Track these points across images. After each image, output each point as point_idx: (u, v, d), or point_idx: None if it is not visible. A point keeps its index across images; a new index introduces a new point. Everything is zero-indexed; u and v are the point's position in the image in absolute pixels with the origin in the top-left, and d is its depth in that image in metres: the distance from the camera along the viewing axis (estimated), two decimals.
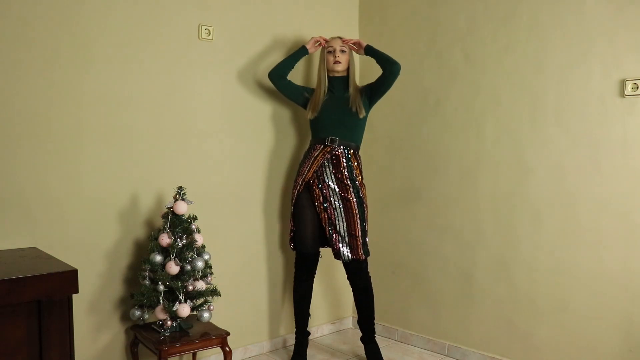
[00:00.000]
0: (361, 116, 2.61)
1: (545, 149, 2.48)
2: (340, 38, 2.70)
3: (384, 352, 2.82)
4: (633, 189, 2.23)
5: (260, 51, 2.78)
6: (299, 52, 2.70)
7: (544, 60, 2.48)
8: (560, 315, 2.45)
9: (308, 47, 2.70)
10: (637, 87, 2.20)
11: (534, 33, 2.51)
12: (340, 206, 2.56)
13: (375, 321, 2.69)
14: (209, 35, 2.55)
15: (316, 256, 2.71)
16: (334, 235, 2.56)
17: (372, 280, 2.66)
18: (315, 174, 2.60)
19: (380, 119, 3.19)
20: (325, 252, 2.87)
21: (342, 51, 2.66)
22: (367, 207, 2.63)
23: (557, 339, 2.46)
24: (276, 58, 2.84)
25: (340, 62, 2.64)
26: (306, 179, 2.60)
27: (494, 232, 2.68)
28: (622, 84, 2.24)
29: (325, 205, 2.58)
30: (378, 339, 3.03)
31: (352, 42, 2.69)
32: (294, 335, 2.77)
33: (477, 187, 2.74)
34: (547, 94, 2.47)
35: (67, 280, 1.62)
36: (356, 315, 3.34)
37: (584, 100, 2.36)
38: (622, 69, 2.24)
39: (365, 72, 3.21)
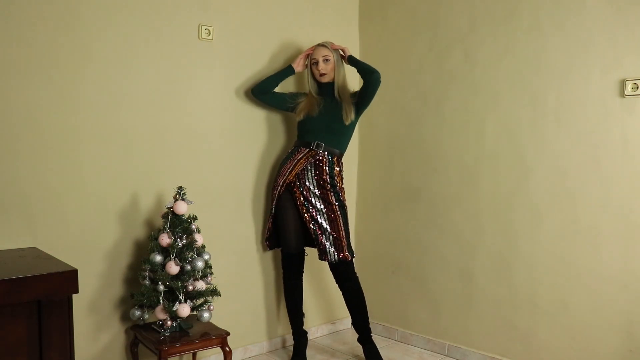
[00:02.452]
0: (347, 123, 2.60)
1: (545, 149, 2.48)
2: (324, 46, 2.64)
3: (383, 352, 2.82)
4: (633, 189, 2.23)
5: (260, 51, 2.78)
6: (286, 71, 2.68)
7: (544, 60, 2.48)
8: (560, 315, 2.45)
9: (294, 65, 2.68)
10: (637, 87, 2.20)
11: (534, 33, 2.51)
12: (323, 208, 2.58)
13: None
14: (209, 35, 2.54)
15: (302, 255, 2.73)
16: (319, 234, 2.57)
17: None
18: (296, 176, 2.60)
19: (380, 119, 3.19)
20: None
21: (326, 60, 2.62)
22: (347, 208, 2.66)
23: (557, 339, 2.46)
24: (276, 57, 2.84)
25: (325, 74, 2.62)
26: (287, 180, 2.61)
27: (494, 231, 2.68)
28: (622, 84, 2.24)
29: (307, 206, 2.58)
30: (378, 339, 3.05)
31: (339, 47, 2.66)
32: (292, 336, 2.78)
33: (477, 187, 2.74)
34: (547, 94, 2.47)
35: (67, 280, 1.62)
36: None
37: (584, 100, 2.36)
38: (622, 69, 2.24)
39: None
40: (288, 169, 2.61)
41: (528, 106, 2.53)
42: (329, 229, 2.56)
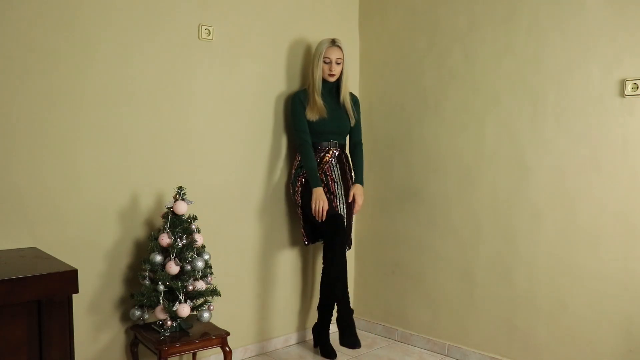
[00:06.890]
0: (352, 124, 2.84)
1: (545, 149, 2.48)
2: (339, 47, 2.72)
3: (383, 352, 2.83)
4: (633, 189, 2.23)
5: (260, 51, 2.78)
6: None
7: (543, 60, 2.48)
8: (560, 315, 2.45)
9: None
10: (637, 87, 2.20)
11: (533, 33, 2.51)
12: (344, 200, 2.74)
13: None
14: (209, 35, 2.54)
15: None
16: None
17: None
18: (323, 173, 2.76)
19: (380, 119, 3.19)
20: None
21: (338, 63, 2.73)
22: None
23: (557, 339, 2.46)
24: (276, 57, 2.84)
25: (334, 75, 2.74)
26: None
27: (493, 231, 2.68)
28: (622, 84, 2.24)
29: (330, 197, 2.72)
30: (378, 338, 3.09)
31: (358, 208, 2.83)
32: (318, 323, 2.84)
33: (476, 187, 2.74)
34: (547, 94, 2.47)
35: (67, 280, 1.62)
36: (359, 316, 3.33)
37: (584, 100, 2.36)
38: (622, 69, 2.24)
39: (364, 82, 3.20)
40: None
41: (528, 106, 2.53)
42: (346, 220, 2.71)
